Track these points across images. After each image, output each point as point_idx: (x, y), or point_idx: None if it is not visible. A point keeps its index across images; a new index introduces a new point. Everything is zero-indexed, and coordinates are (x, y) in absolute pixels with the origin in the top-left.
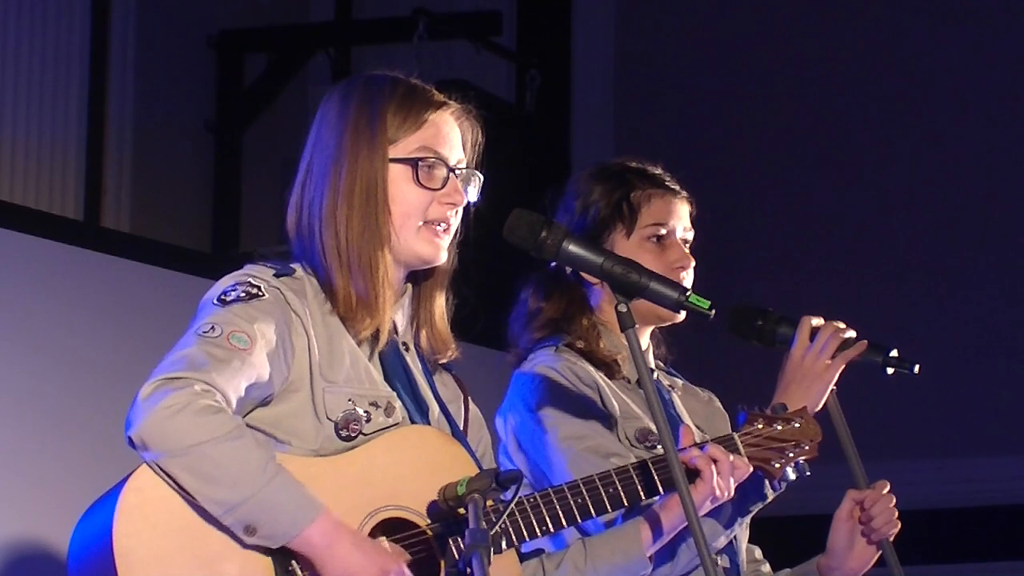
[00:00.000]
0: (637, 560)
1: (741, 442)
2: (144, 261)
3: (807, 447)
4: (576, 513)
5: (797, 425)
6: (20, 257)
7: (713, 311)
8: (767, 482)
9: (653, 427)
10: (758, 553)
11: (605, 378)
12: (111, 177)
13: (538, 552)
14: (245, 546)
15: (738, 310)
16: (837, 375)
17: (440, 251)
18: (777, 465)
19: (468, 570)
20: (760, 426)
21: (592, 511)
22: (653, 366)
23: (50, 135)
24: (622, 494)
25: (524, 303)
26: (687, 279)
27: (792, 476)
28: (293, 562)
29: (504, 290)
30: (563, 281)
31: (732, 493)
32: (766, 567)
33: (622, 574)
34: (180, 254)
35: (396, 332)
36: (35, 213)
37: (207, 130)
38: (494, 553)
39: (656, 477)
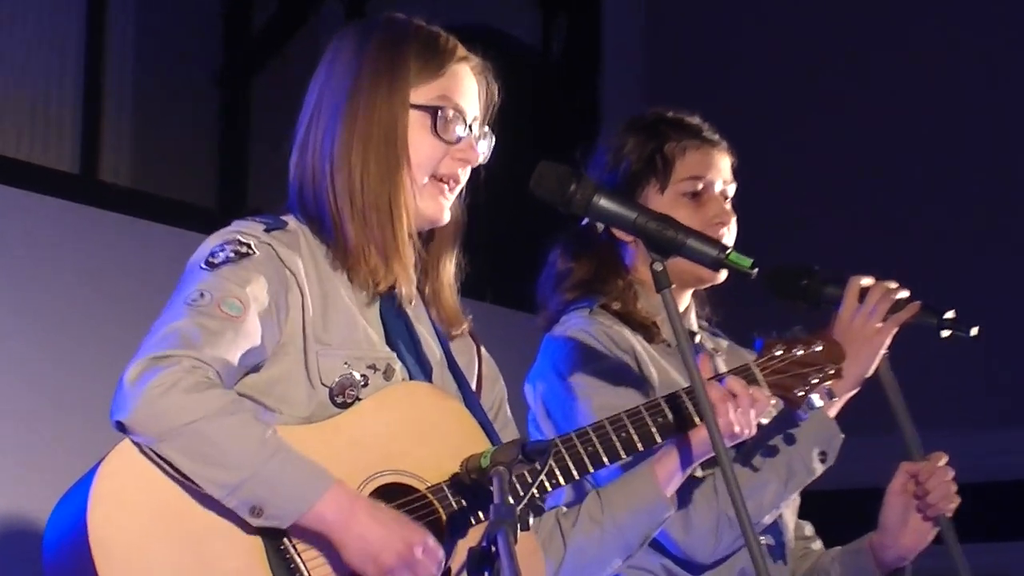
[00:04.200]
0: (656, 502)
1: (759, 370)
2: (145, 217)
3: (832, 371)
4: (587, 462)
5: (819, 348)
6: (12, 213)
7: (755, 270)
8: (813, 453)
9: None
10: (808, 529)
11: (643, 342)
12: (110, 128)
13: (554, 507)
14: (248, 530)
15: (781, 269)
16: (889, 339)
17: (444, 211)
18: (800, 393)
19: (493, 548)
20: (779, 352)
21: (604, 458)
22: (696, 328)
23: (44, 83)
24: (635, 437)
25: (553, 264)
26: (727, 236)
27: (818, 403)
28: (285, 540)
29: (534, 249)
30: (594, 239)
31: (754, 430)
32: (817, 544)
33: (643, 519)
34: (184, 210)
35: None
36: (28, 166)
37: (213, 78)
38: (520, 530)
39: (672, 416)
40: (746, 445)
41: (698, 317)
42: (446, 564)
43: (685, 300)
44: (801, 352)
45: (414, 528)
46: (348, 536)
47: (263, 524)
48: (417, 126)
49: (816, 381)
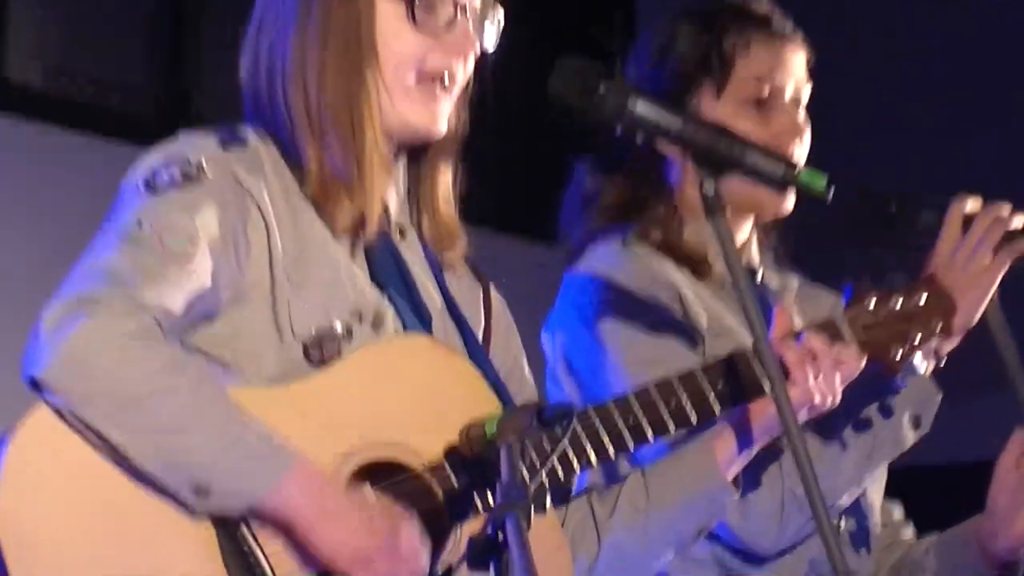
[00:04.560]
0: (715, 488)
1: (848, 325)
2: (65, 126)
3: (939, 327)
4: (627, 438)
5: (923, 299)
6: None
7: (831, 191)
8: (904, 418)
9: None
10: (897, 513)
11: (690, 280)
12: (17, 14)
13: (586, 491)
14: (195, 513)
15: (864, 192)
16: (999, 277)
17: (438, 118)
18: (899, 355)
19: (499, 536)
20: (873, 304)
21: (649, 433)
22: (757, 263)
23: None
24: (688, 408)
25: (579, 183)
26: (798, 151)
27: (922, 367)
28: (243, 527)
29: (555, 166)
30: (632, 153)
31: (838, 398)
32: (908, 531)
33: (699, 508)
34: (114, 118)
35: (387, 215)
36: None
37: None
38: (535, 514)
39: (735, 381)
40: (827, 417)
41: (761, 249)
42: (445, 557)
43: (745, 230)
44: (901, 303)
45: (396, 521)
46: (313, 528)
47: (209, 509)
48: (391, 17)
49: (919, 340)
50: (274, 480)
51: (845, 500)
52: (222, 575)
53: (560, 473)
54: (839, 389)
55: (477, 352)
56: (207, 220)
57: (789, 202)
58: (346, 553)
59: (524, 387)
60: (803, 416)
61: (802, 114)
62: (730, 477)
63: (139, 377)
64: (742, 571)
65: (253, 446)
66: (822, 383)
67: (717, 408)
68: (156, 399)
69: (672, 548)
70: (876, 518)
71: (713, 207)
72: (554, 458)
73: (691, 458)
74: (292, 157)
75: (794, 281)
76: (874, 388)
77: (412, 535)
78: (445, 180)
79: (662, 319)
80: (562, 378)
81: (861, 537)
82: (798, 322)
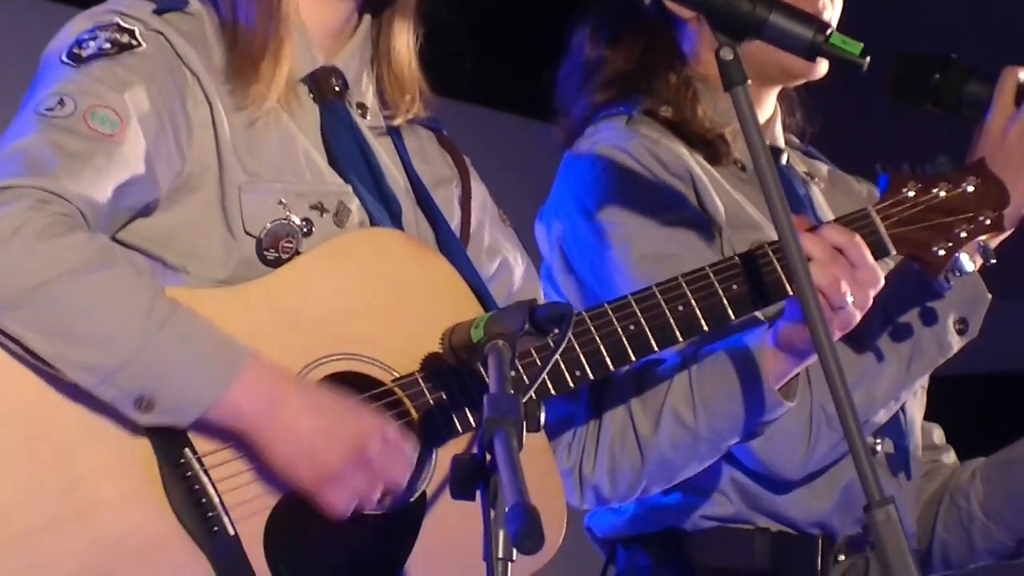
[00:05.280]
0: (767, 402)
1: (881, 218)
2: None
3: (988, 220)
4: (628, 347)
5: (971, 188)
6: None
7: (867, 59)
8: (948, 321)
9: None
10: (937, 435)
11: (704, 163)
12: None
13: (624, 395)
14: (133, 436)
15: (906, 59)
16: None
17: None
18: (941, 252)
19: (487, 457)
20: (912, 193)
21: (653, 342)
22: (782, 143)
23: None
24: (698, 312)
25: (579, 51)
26: (830, 10)
27: (968, 267)
28: (187, 451)
29: (549, 31)
30: (639, 17)
31: (869, 301)
32: (950, 456)
33: (748, 424)
34: None
35: (346, 87)
36: None
37: None
38: (527, 431)
39: (751, 281)
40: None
41: (786, 129)
42: (421, 478)
43: (768, 105)
44: (945, 193)
45: (366, 415)
46: (271, 432)
47: (155, 422)
48: None
49: (965, 235)
50: (224, 390)
51: (881, 416)
52: (163, 503)
53: (551, 388)
54: (873, 289)
55: (453, 247)
56: (139, 96)
57: (823, 66)
58: (306, 472)
59: (523, 288)
60: (835, 331)
61: None
62: (777, 387)
63: (63, 274)
64: (766, 498)
65: (199, 349)
66: (847, 282)
67: (731, 313)
68: (82, 297)
69: (717, 456)
70: (917, 438)
71: (733, 76)
72: (545, 371)
73: (737, 372)
74: (224, 24)
75: (822, 166)
76: (914, 291)
77: (388, 435)
78: (403, 29)
79: (673, 208)
80: (560, 276)
81: (900, 460)
82: (828, 214)
